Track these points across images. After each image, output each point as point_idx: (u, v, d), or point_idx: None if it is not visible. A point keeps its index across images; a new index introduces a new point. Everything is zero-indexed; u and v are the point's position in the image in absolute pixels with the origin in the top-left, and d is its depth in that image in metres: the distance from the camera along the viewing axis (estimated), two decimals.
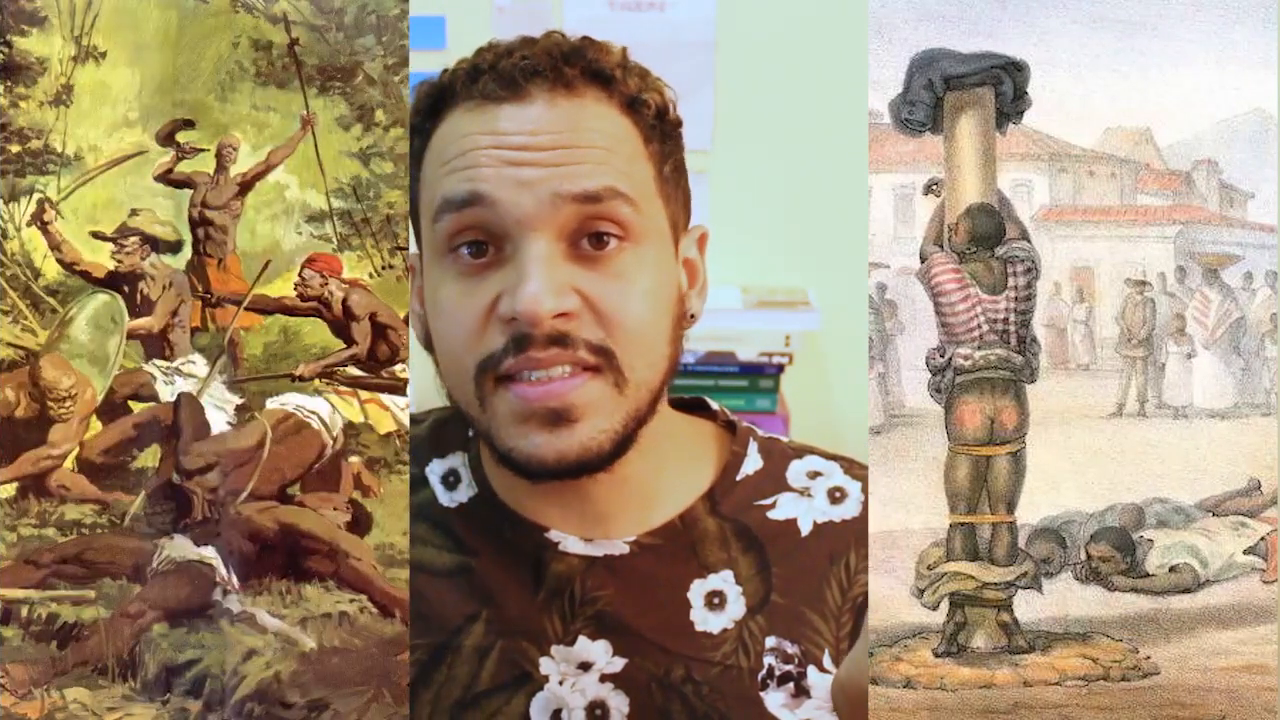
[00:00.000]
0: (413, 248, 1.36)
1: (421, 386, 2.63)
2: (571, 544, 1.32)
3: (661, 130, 1.29)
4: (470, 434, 1.39)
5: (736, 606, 1.31)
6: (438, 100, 1.27)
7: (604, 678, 1.30)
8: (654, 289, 1.24)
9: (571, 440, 1.21)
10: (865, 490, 1.38)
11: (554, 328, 1.19)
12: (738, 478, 1.37)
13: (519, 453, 1.23)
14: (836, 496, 1.36)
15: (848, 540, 1.35)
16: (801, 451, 1.41)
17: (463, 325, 1.22)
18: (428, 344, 1.32)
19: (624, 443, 1.24)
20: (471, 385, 1.23)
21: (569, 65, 1.23)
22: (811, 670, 1.30)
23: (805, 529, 1.35)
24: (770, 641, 1.31)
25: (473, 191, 1.20)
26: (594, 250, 1.21)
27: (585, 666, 1.30)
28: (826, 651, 1.32)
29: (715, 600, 1.31)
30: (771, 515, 1.35)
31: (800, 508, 1.36)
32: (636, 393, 1.24)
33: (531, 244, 1.19)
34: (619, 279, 1.22)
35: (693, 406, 1.43)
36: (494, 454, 1.26)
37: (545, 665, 1.30)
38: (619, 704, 1.29)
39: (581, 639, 1.30)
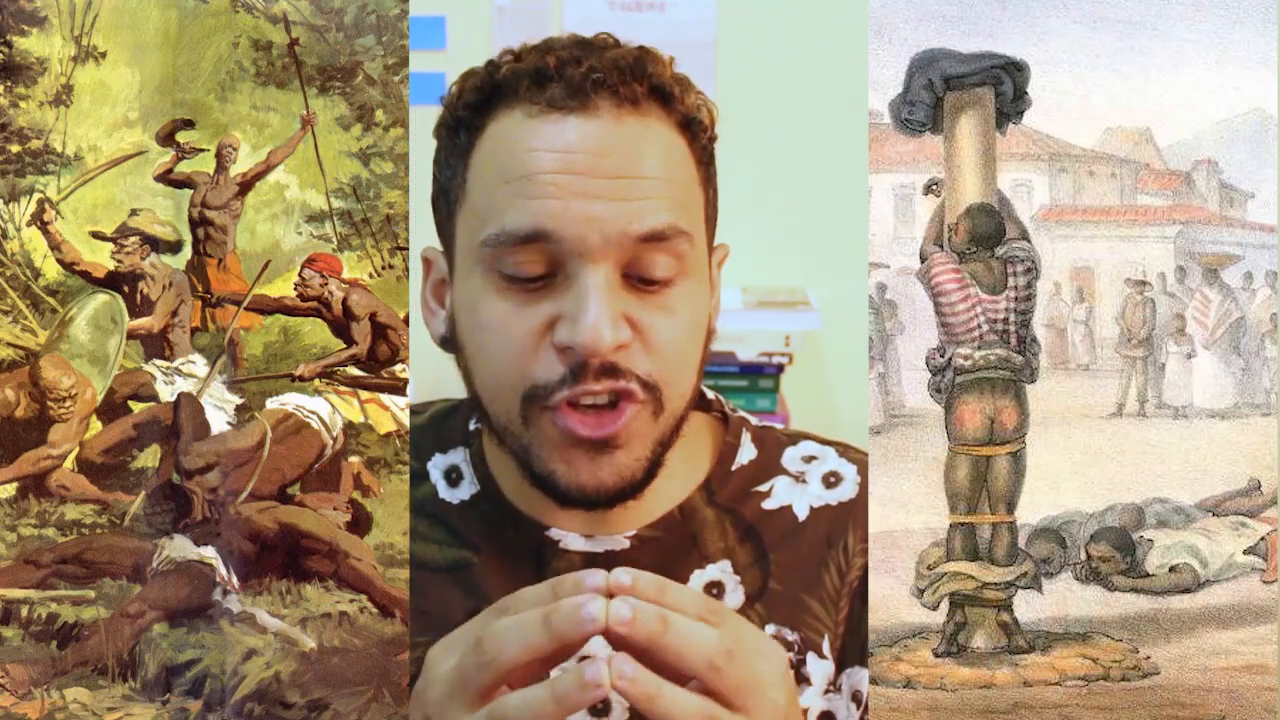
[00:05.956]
0: (415, 240, 1.35)
1: (422, 387, 2.63)
2: (572, 541, 1.32)
3: (709, 152, 1.27)
4: (472, 429, 1.39)
5: (735, 596, 1.31)
6: (491, 94, 1.23)
7: None
8: (696, 321, 1.24)
9: (611, 468, 1.22)
10: (864, 473, 1.38)
11: (609, 358, 1.19)
12: (733, 468, 1.37)
13: (560, 478, 1.23)
14: (831, 481, 1.36)
15: (844, 523, 1.35)
16: (796, 438, 1.41)
17: (512, 346, 1.21)
18: (444, 343, 1.31)
19: (654, 469, 1.25)
20: (517, 405, 1.22)
21: (636, 81, 1.21)
22: (811, 657, 1.30)
23: (802, 514, 1.35)
24: (769, 630, 1.30)
25: (537, 228, 1.18)
26: (647, 283, 1.21)
27: None
28: (825, 637, 1.32)
29: (714, 591, 1.31)
30: (766, 505, 1.35)
31: (795, 493, 1.36)
32: (668, 421, 1.24)
33: (591, 274, 1.18)
34: (667, 312, 1.21)
35: None
36: (526, 473, 1.26)
37: None
38: (622, 699, 1.29)
39: None
